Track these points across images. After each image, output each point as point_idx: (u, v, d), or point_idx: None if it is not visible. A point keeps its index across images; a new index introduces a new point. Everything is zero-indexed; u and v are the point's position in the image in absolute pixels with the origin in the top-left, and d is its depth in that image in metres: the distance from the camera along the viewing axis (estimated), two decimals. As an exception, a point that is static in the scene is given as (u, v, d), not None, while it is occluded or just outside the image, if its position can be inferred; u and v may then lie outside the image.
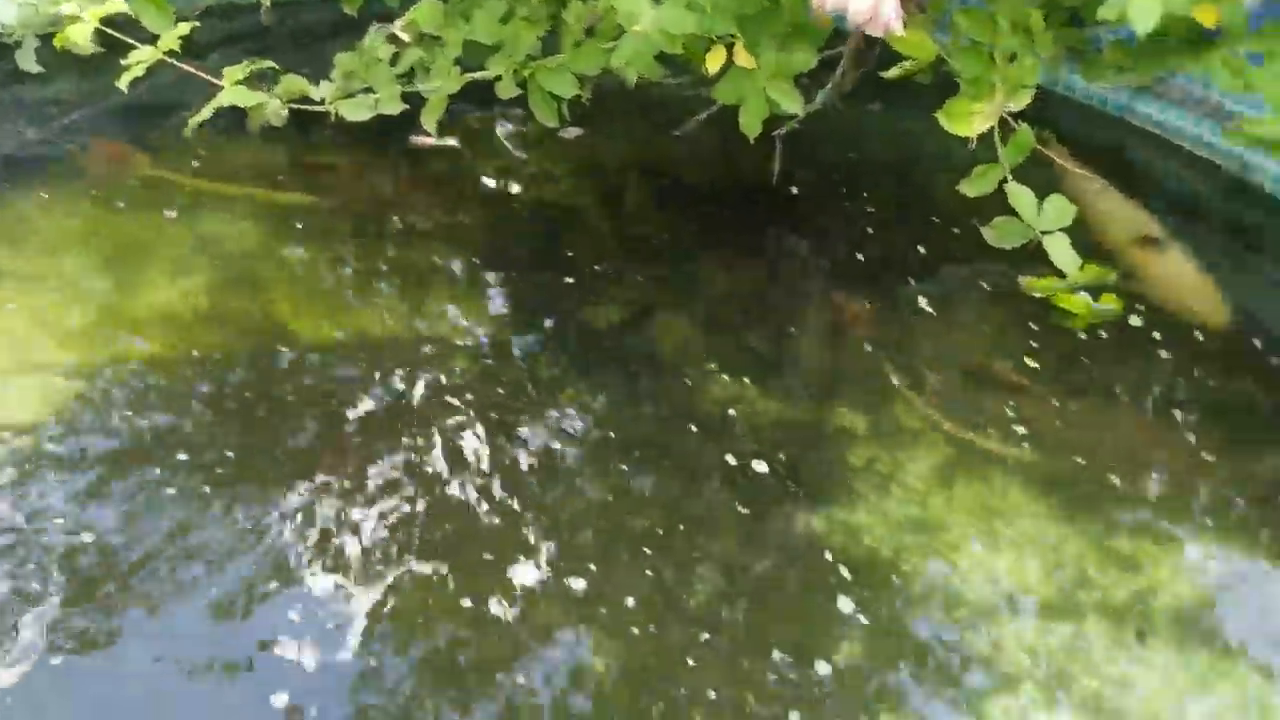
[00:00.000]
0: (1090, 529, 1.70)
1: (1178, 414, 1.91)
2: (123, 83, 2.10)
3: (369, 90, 2.20)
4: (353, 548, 1.58)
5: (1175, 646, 1.54)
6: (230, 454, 1.70)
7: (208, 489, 1.64)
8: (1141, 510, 1.74)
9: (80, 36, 2.08)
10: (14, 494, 1.62)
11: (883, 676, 1.48)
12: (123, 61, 2.11)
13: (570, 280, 2.08)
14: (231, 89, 2.11)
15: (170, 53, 2.12)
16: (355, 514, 1.62)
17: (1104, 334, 2.07)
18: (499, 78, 2.13)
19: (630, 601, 1.54)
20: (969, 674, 1.50)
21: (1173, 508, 1.75)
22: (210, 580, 1.53)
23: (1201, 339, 2.06)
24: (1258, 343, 2.06)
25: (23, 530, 1.57)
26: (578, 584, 1.56)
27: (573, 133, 2.42)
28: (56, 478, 1.65)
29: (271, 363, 1.86)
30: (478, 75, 2.12)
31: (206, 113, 2.12)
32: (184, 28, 2.12)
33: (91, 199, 2.19)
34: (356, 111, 2.12)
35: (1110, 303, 2.09)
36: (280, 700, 1.41)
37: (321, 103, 2.18)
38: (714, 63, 1.97)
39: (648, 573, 1.57)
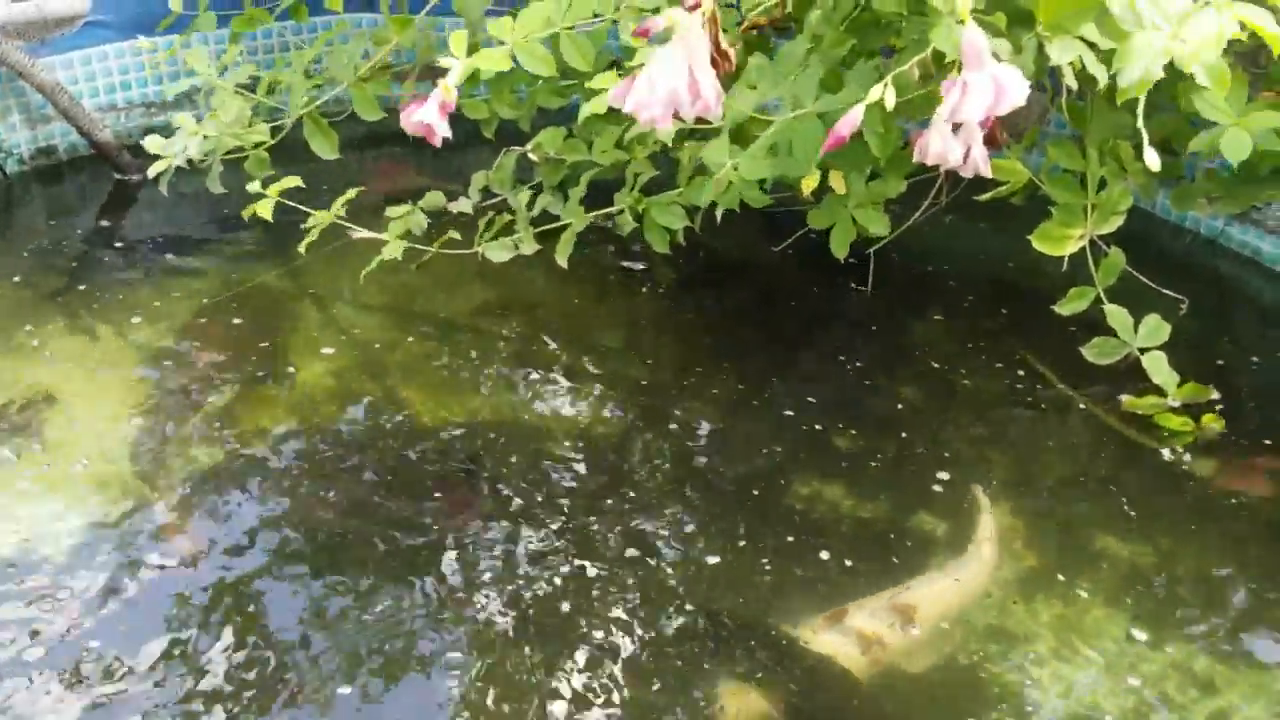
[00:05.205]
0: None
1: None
2: (302, 248, 2.32)
3: (500, 205, 2.42)
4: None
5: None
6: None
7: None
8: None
9: (265, 210, 2.30)
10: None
11: None
12: (302, 227, 2.32)
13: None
14: (394, 243, 2.32)
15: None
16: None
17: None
18: (620, 212, 2.33)
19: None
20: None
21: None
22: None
23: None
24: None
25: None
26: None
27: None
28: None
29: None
30: (601, 212, 2.33)
31: (374, 265, 2.32)
32: (351, 193, 2.34)
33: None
34: (499, 254, 2.35)
35: (1212, 422, 2.11)
36: None
37: (459, 216, 2.41)
38: (808, 186, 2.13)
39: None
